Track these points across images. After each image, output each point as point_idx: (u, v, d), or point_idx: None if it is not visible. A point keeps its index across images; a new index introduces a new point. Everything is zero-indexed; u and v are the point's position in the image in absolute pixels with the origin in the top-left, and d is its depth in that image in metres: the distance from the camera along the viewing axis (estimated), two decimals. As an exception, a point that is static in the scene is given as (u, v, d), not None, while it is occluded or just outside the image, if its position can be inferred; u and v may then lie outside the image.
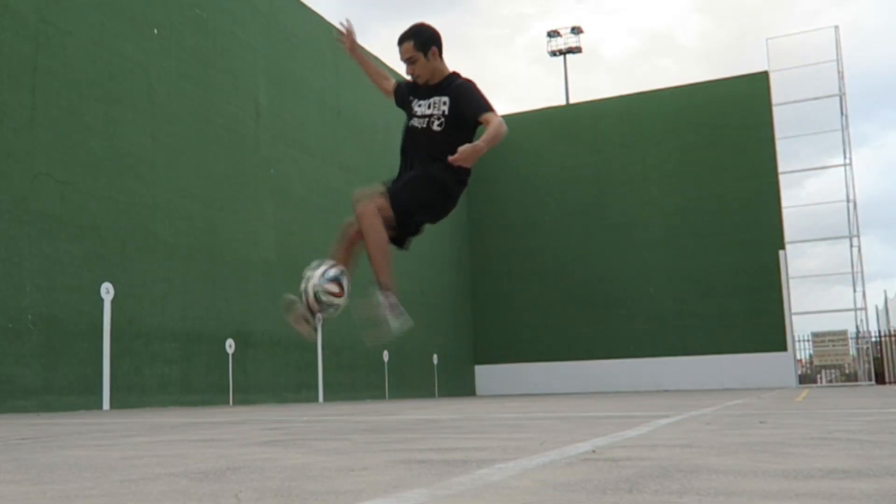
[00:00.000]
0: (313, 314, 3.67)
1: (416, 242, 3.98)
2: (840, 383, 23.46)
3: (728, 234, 18.66)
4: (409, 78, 3.85)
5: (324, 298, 3.60)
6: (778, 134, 18.92)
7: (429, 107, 3.71)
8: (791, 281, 18.37)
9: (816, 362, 22.01)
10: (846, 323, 20.45)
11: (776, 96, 19.03)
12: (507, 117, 22.42)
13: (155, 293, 10.43)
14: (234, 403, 11.49)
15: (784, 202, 18.66)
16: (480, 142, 3.42)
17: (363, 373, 15.03)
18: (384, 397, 15.57)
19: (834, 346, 20.85)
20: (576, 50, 31.86)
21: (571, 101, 25.87)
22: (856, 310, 19.13)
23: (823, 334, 20.69)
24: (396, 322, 3.53)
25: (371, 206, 3.58)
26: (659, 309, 18.97)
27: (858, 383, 20.06)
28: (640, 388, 18.62)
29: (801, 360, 20.88)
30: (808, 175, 20.60)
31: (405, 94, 3.89)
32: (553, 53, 32.13)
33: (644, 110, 19.93)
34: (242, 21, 12.78)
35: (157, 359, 10.31)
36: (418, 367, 17.28)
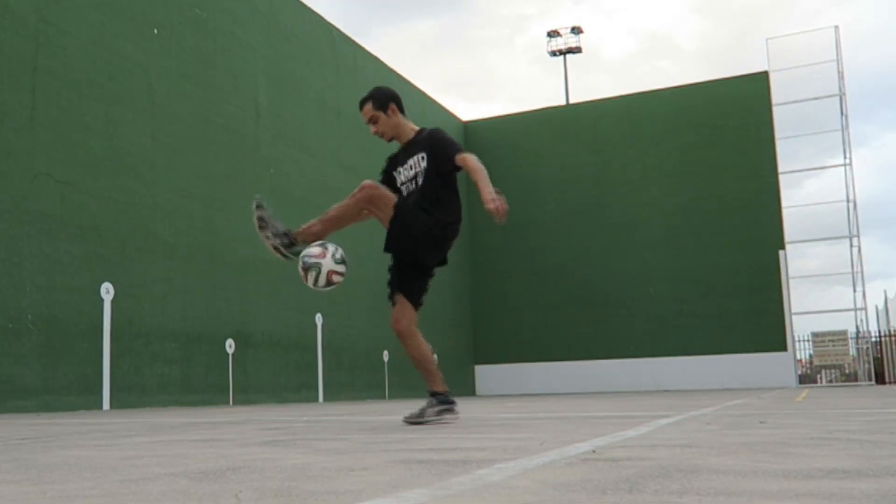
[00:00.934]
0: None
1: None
2: (840, 383, 23.44)
3: (728, 234, 18.66)
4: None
5: (335, 280, 3.77)
6: (778, 134, 18.90)
7: (410, 168, 4.00)
8: (791, 281, 18.36)
9: (816, 362, 21.99)
10: (846, 323, 20.46)
11: (776, 96, 19.01)
12: (507, 117, 22.22)
13: (155, 293, 10.43)
14: (234, 403, 11.49)
15: (784, 202, 18.65)
16: (485, 190, 3.60)
17: (363, 373, 15.03)
18: (384, 397, 15.56)
19: (834, 346, 20.84)
20: (576, 50, 31.89)
21: (571, 101, 25.86)
22: (856, 310, 19.13)
23: (823, 334, 20.68)
24: (439, 418, 3.98)
25: (405, 323, 4.06)
26: (659, 309, 18.97)
27: (858, 383, 20.04)
28: (640, 388, 18.62)
29: (801, 360, 20.87)
30: (807, 175, 20.58)
31: (388, 173, 4.17)
32: (553, 53, 32.15)
33: (644, 110, 19.92)
34: (242, 21, 12.79)
35: (157, 359, 10.32)
36: (418, 367, 17.25)
